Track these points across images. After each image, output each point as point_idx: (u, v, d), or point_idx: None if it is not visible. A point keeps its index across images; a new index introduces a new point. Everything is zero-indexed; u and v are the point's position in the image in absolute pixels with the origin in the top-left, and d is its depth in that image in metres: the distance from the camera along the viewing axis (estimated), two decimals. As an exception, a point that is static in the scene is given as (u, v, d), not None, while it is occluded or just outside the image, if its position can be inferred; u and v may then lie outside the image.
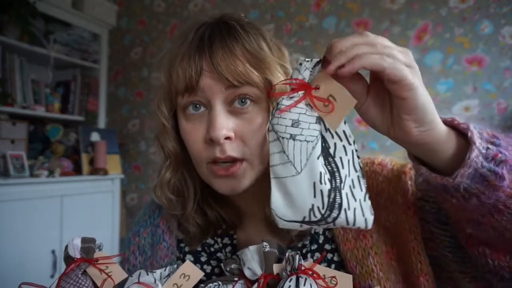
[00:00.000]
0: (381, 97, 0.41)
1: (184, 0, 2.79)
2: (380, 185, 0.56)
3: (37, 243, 2.05)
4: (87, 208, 2.35)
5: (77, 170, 2.42)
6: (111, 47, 2.95)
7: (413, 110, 0.37)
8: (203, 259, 0.61)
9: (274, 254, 0.45)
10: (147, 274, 0.45)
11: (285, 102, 0.40)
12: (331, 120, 0.39)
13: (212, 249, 0.61)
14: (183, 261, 0.56)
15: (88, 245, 0.46)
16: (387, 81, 0.37)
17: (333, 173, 0.40)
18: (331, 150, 0.41)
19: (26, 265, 1.97)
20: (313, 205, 0.39)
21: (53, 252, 2.11)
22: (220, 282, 0.46)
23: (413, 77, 0.36)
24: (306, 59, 0.41)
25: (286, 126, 0.40)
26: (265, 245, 0.45)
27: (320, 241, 0.57)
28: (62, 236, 2.17)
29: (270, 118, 0.42)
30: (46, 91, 2.39)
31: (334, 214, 0.38)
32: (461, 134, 0.41)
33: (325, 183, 0.39)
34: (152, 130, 2.88)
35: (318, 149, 0.40)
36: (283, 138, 0.40)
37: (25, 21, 2.10)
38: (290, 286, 0.41)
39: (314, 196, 0.39)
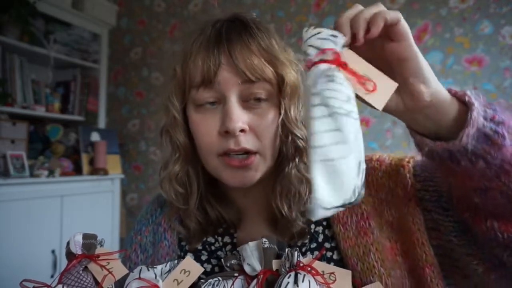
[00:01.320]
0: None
1: (184, 0, 2.79)
2: (380, 180, 0.56)
3: (37, 243, 2.04)
4: (87, 208, 2.35)
5: (77, 170, 2.42)
6: (111, 47, 2.95)
7: (419, 69, 0.39)
8: (203, 257, 0.61)
9: (273, 250, 0.45)
10: (148, 270, 0.45)
11: (337, 73, 0.37)
12: (376, 99, 0.38)
13: (212, 248, 0.61)
14: (184, 258, 0.57)
15: (90, 241, 0.46)
16: (396, 36, 0.39)
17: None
18: None
19: (26, 265, 1.97)
20: (355, 186, 0.36)
21: (53, 252, 2.11)
22: (220, 278, 0.46)
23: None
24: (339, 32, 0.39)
25: (342, 101, 0.36)
26: (265, 241, 0.46)
27: (320, 240, 0.57)
28: (62, 236, 2.16)
29: (313, 91, 0.37)
30: (46, 91, 2.39)
31: (362, 192, 0.36)
32: (459, 102, 0.43)
33: (364, 162, 0.37)
34: (152, 130, 2.88)
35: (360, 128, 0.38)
36: (340, 114, 0.36)
37: (25, 21, 2.10)
38: (288, 282, 0.41)
39: (358, 175, 0.36)
